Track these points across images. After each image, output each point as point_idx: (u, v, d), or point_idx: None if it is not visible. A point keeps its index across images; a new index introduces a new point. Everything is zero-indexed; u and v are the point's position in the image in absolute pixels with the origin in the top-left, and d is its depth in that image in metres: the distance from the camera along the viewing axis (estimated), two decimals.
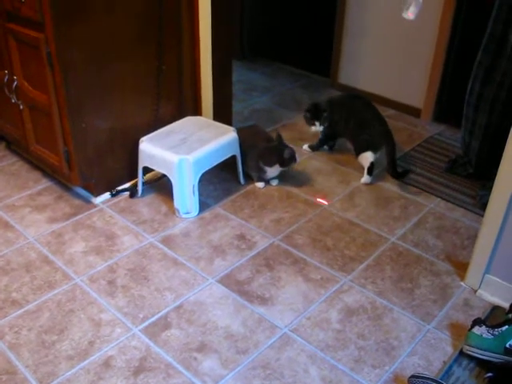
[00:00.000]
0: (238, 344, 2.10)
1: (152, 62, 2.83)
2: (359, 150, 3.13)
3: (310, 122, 3.28)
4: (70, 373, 1.97)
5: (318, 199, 2.95)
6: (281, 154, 2.89)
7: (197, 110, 3.17)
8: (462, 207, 2.93)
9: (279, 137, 2.98)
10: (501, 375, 1.88)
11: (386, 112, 3.94)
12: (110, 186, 2.93)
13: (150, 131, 2.87)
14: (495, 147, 2.08)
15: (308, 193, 3.00)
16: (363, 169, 3.12)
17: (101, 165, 2.83)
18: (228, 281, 2.40)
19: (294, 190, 3.03)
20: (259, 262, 2.52)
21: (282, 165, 2.92)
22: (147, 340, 2.11)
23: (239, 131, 3.00)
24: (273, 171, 2.97)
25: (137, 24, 2.69)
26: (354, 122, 3.15)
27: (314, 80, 4.52)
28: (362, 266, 2.51)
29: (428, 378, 1.86)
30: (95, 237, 2.64)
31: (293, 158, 2.92)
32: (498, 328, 2.00)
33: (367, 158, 3.08)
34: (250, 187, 3.05)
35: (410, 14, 2.77)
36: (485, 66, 2.88)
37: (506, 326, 1.98)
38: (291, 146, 3.00)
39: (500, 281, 2.29)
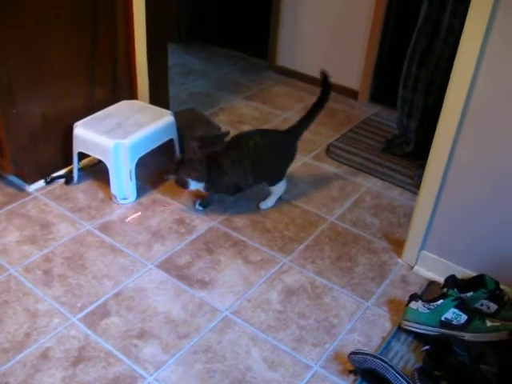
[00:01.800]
0: (179, 329, 2.09)
1: (85, 46, 2.75)
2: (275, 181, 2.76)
3: None
4: (5, 367, 1.91)
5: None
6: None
7: (132, 94, 3.11)
8: (398, 186, 2.98)
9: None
10: (437, 347, 1.92)
11: None
12: (45, 173, 2.84)
13: (84, 116, 2.80)
14: (433, 128, 2.12)
15: None
16: (301, 152, 3.14)
17: (34, 151, 2.74)
18: (167, 266, 2.38)
19: None
20: (199, 245, 2.50)
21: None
22: (86, 329, 2.07)
23: (177, 115, 2.96)
24: None
25: (69, 7, 2.60)
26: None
27: (252, 63, 4.50)
28: (301, 247, 2.52)
29: (368, 354, 1.89)
30: (30, 226, 2.56)
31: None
32: (433, 302, 2.05)
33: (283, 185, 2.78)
34: None
35: None
36: (421, 49, 2.92)
37: (441, 300, 2.04)
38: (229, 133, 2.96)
39: (435, 256, 2.34)
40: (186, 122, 3.03)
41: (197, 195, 2.80)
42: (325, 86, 2.71)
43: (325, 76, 2.68)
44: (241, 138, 2.67)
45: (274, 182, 2.72)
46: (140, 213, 2.68)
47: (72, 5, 2.61)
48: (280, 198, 2.80)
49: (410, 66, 3.02)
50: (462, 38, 1.92)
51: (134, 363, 1.95)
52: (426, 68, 2.94)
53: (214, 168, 2.58)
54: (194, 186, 2.60)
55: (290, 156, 2.77)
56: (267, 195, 2.77)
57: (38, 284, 2.26)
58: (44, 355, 1.96)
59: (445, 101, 2.04)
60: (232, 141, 2.68)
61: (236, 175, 2.60)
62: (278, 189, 2.75)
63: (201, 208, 2.73)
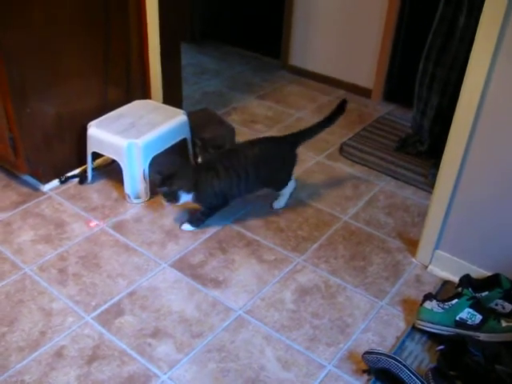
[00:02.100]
0: (193, 328, 2.09)
1: (99, 47, 2.77)
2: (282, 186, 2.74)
3: None
4: (20, 365, 1.92)
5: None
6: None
7: (146, 94, 3.12)
8: (412, 185, 2.97)
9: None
10: (452, 347, 1.91)
11: (337, 93, 3.97)
12: (59, 172, 2.86)
13: (98, 116, 2.81)
14: (447, 128, 2.11)
15: None
16: (314, 152, 3.13)
17: (48, 151, 2.76)
18: (181, 265, 2.38)
19: None
20: (212, 245, 2.50)
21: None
22: (100, 328, 2.08)
23: (190, 115, 2.96)
24: None
25: (82, 8, 2.61)
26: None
27: (265, 62, 4.50)
28: (315, 246, 2.52)
29: (382, 354, 1.88)
30: (44, 225, 2.58)
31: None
32: (448, 302, 2.03)
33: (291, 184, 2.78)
34: None
35: None
36: (437, 48, 2.91)
37: (456, 300, 2.02)
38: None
39: (450, 256, 2.33)
40: (199, 122, 3.04)
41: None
42: (339, 109, 2.73)
43: (344, 103, 2.72)
44: (235, 149, 2.66)
45: (279, 189, 2.72)
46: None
47: (83, 5, 2.62)
48: (291, 196, 2.79)
49: (426, 64, 3.01)
50: (476, 36, 1.90)
51: (148, 362, 1.95)
52: (442, 67, 2.92)
53: (203, 178, 2.51)
54: (185, 198, 2.49)
55: (290, 163, 2.72)
56: (278, 195, 2.76)
57: (53, 283, 2.27)
58: (59, 354, 1.97)
59: (459, 100, 2.03)
60: (225, 151, 2.68)
61: (226, 185, 2.54)
62: (287, 190, 2.75)
63: (192, 228, 2.61)
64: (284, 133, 3.39)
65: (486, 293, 2.09)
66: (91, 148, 2.78)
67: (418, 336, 2.09)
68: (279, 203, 2.76)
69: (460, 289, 2.07)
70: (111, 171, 2.95)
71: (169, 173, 2.49)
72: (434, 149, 3.10)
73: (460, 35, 2.78)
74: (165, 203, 2.52)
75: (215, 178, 2.51)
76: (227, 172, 2.52)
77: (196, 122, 3.02)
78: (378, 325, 2.14)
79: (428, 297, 2.09)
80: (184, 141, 2.95)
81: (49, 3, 2.48)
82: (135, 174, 2.68)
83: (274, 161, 2.63)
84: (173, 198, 2.47)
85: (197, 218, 2.61)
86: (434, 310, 2.04)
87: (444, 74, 2.93)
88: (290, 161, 2.72)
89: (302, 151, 3.21)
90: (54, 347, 2.00)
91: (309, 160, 3.15)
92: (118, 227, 2.58)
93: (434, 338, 2.06)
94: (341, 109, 2.73)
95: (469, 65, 1.95)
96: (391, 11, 3.56)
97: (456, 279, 2.22)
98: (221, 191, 2.55)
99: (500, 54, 1.88)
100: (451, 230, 2.29)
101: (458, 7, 2.76)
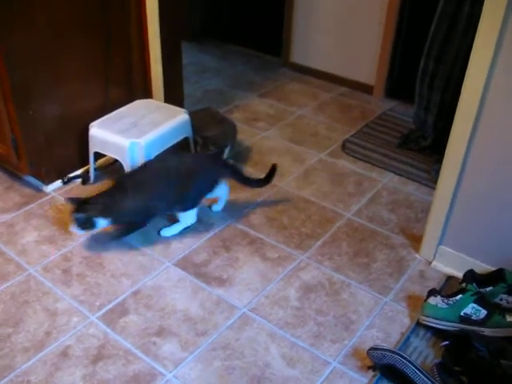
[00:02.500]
0: (197, 326, 2.09)
1: (99, 47, 2.77)
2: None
3: None
4: (26, 365, 1.93)
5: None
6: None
7: (147, 93, 3.12)
8: (415, 181, 2.97)
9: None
10: (456, 343, 1.91)
11: (339, 90, 3.96)
12: (62, 173, 2.86)
13: (99, 116, 2.81)
14: (451, 123, 2.11)
15: (263, 172, 2.98)
16: (317, 149, 3.13)
17: (51, 152, 2.76)
18: (185, 264, 2.39)
19: (249, 170, 3.01)
20: (216, 243, 2.50)
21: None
22: (105, 327, 2.08)
23: (192, 114, 2.96)
24: None
25: (83, 9, 2.61)
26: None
27: (266, 60, 4.49)
28: (318, 243, 2.52)
29: (386, 350, 1.88)
30: (48, 226, 2.58)
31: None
32: (452, 297, 2.03)
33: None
34: None
35: None
36: (438, 43, 2.90)
37: (460, 295, 2.02)
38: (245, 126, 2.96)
39: (453, 251, 2.33)
40: (201, 121, 3.03)
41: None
42: (269, 176, 2.69)
43: (274, 169, 2.68)
44: (148, 163, 2.53)
45: (185, 209, 2.51)
46: None
47: (83, 6, 2.62)
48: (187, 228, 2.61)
49: (426, 62, 3.00)
50: (478, 30, 1.90)
51: (154, 361, 1.96)
52: (444, 64, 2.91)
53: (117, 200, 2.38)
54: (102, 224, 2.37)
55: (207, 184, 2.55)
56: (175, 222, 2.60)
57: (58, 283, 2.27)
58: (64, 353, 1.98)
59: (461, 94, 2.03)
60: (139, 167, 2.51)
61: (141, 203, 2.40)
62: (186, 218, 2.56)
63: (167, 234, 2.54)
64: (285, 131, 3.41)
65: (491, 288, 2.09)
66: (93, 148, 2.79)
67: (422, 332, 2.09)
68: (170, 230, 2.56)
69: (464, 284, 2.07)
70: (113, 171, 2.95)
71: (82, 199, 2.37)
72: (437, 144, 3.10)
73: (463, 28, 2.77)
74: (78, 232, 2.41)
75: (128, 198, 2.38)
76: (140, 190, 2.39)
77: (198, 120, 3.02)
78: (382, 321, 2.14)
79: (432, 292, 2.09)
80: (186, 139, 2.94)
81: (50, 6, 2.48)
82: None
83: (192, 176, 2.47)
84: (89, 225, 2.35)
85: (116, 235, 2.52)
86: (439, 305, 2.04)
87: (446, 69, 2.92)
88: (209, 182, 2.55)
89: (304, 150, 3.21)
90: (60, 347, 2.00)
91: (311, 157, 3.15)
92: None
93: (438, 333, 2.06)
94: (271, 174, 2.68)
95: (471, 57, 1.95)
96: (392, 7, 3.56)
97: (460, 274, 2.22)
98: (136, 210, 2.42)
99: (503, 45, 1.87)
100: (455, 226, 2.29)
101: (459, 2, 2.75)
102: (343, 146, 3.27)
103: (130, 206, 2.39)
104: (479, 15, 1.88)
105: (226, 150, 2.90)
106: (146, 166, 2.50)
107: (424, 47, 3.00)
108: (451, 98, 2.91)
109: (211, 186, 2.56)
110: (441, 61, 2.93)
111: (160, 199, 2.44)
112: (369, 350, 1.92)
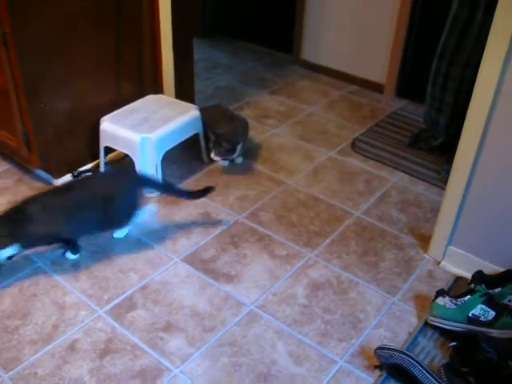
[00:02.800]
0: (205, 322, 2.10)
1: (111, 42, 2.77)
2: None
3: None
4: (34, 357, 1.94)
5: None
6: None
7: (158, 89, 3.12)
8: (425, 181, 2.95)
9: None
10: (464, 343, 1.91)
11: (349, 88, 3.95)
12: (72, 167, 2.87)
13: (110, 111, 2.82)
14: (463, 124, 2.10)
15: (272, 170, 2.99)
16: (327, 147, 3.12)
17: (61, 146, 2.77)
18: (193, 259, 2.39)
19: (259, 167, 3.01)
20: (224, 240, 2.50)
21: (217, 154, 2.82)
22: (112, 321, 2.09)
23: (203, 111, 2.97)
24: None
25: (95, 3, 2.62)
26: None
27: (278, 57, 4.48)
28: (327, 241, 2.52)
29: (394, 349, 1.87)
30: None
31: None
32: (460, 298, 2.03)
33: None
34: (213, 165, 3.03)
35: None
36: (451, 47, 2.88)
37: (469, 296, 2.02)
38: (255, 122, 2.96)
39: (462, 252, 2.32)
40: (211, 118, 3.03)
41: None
42: (202, 192, 2.62)
43: (207, 191, 2.62)
44: (59, 187, 2.51)
45: (120, 227, 2.49)
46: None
47: (95, 2, 2.62)
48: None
49: (439, 64, 2.98)
50: (490, 33, 1.89)
51: (161, 356, 1.96)
52: (456, 66, 2.90)
53: (19, 227, 2.21)
54: (8, 252, 2.21)
55: (131, 202, 2.46)
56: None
57: (66, 277, 2.28)
58: (72, 347, 1.98)
59: (473, 96, 2.02)
60: (48, 190, 2.41)
61: (49, 224, 2.26)
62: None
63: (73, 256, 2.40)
64: (295, 128, 3.40)
65: (499, 289, 2.08)
66: (104, 143, 2.79)
67: (430, 332, 2.08)
68: (121, 232, 2.52)
69: (473, 285, 2.06)
70: (123, 166, 2.96)
71: None
72: (447, 144, 3.08)
73: (476, 34, 2.76)
74: None
75: (30, 223, 2.21)
76: (44, 213, 2.25)
77: (209, 117, 3.02)
78: (390, 320, 2.13)
79: (440, 293, 2.09)
80: (196, 135, 2.95)
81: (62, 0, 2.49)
82: (148, 169, 2.68)
83: (107, 201, 2.35)
84: None
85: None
86: (447, 306, 2.04)
87: (459, 72, 2.90)
88: (130, 201, 2.47)
89: (313, 147, 3.21)
90: (67, 340, 2.01)
91: (321, 155, 3.14)
92: None
93: (446, 334, 2.05)
94: (204, 192, 2.62)
95: (483, 60, 1.94)
96: (404, 6, 3.54)
97: (469, 275, 2.21)
98: (42, 234, 2.28)
99: None
100: (464, 226, 2.28)
101: (473, 5, 2.73)
102: (353, 145, 3.27)
103: (34, 232, 2.23)
104: (490, 25, 1.88)
105: (238, 147, 2.89)
106: (56, 188, 2.43)
107: (435, 48, 2.98)
108: (464, 101, 2.89)
109: (136, 202, 2.47)
110: (453, 64, 2.91)
111: (76, 225, 2.33)
112: (376, 349, 1.92)
